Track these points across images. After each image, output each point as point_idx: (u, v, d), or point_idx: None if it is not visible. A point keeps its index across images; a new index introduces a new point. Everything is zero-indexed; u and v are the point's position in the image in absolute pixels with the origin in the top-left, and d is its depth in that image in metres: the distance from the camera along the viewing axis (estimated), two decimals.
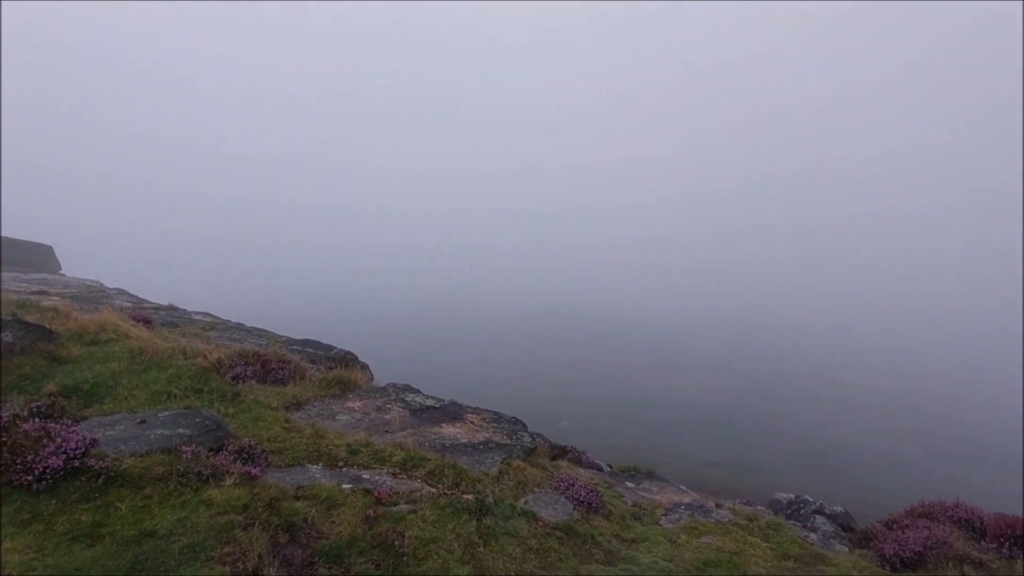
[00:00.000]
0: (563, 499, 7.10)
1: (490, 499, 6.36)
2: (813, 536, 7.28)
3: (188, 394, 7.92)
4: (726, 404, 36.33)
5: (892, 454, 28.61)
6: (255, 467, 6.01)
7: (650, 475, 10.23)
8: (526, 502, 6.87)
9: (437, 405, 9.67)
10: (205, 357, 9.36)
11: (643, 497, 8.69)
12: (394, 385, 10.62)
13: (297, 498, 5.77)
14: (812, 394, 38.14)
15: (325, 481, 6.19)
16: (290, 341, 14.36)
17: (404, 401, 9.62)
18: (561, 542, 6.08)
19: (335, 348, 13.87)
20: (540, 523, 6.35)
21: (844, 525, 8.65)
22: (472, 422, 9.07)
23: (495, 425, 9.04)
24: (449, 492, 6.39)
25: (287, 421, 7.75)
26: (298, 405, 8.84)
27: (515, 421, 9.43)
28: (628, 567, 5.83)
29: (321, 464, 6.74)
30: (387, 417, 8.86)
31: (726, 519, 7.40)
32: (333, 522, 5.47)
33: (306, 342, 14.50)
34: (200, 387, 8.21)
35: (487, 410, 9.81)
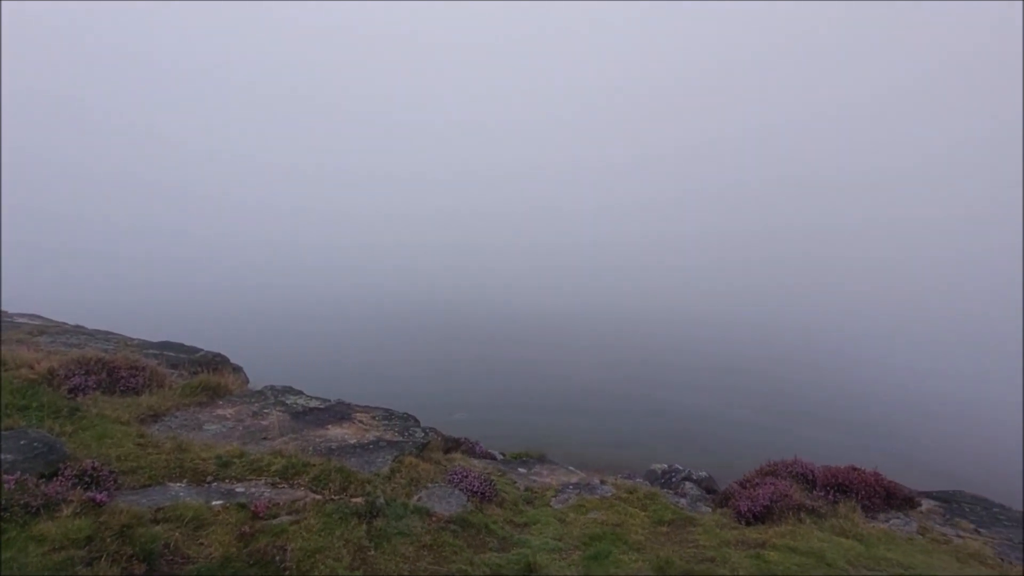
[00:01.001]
0: (457, 491, 7.09)
1: (381, 500, 6.16)
2: (683, 501, 8.07)
3: (10, 412, 6.63)
4: (612, 387, 38.90)
5: (749, 423, 32.70)
6: (101, 492, 5.21)
7: (541, 459, 10.60)
8: (419, 499, 6.75)
9: (322, 406, 9.12)
10: (32, 367, 7.92)
11: (535, 481, 8.98)
12: (272, 387, 9.83)
13: (156, 522, 5.10)
14: (699, 379, 42.12)
15: (190, 499, 5.54)
16: (145, 344, 12.65)
17: (284, 404, 8.94)
18: (455, 535, 6.06)
19: (201, 350, 12.49)
20: (434, 518, 6.28)
21: (708, 488, 9.68)
22: (361, 421, 8.70)
23: (386, 423, 8.76)
24: (336, 497, 6.06)
25: (141, 436, 6.81)
26: (156, 417, 7.82)
27: (407, 417, 9.22)
28: (521, 551, 5.99)
29: (185, 481, 6.03)
30: (264, 423, 8.17)
31: (610, 494, 7.92)
32: (202, 544, 4.93)
33: (165, 344, 12.88)
34: (26, 403, 6.92)
35: (377, 408, 9.47)
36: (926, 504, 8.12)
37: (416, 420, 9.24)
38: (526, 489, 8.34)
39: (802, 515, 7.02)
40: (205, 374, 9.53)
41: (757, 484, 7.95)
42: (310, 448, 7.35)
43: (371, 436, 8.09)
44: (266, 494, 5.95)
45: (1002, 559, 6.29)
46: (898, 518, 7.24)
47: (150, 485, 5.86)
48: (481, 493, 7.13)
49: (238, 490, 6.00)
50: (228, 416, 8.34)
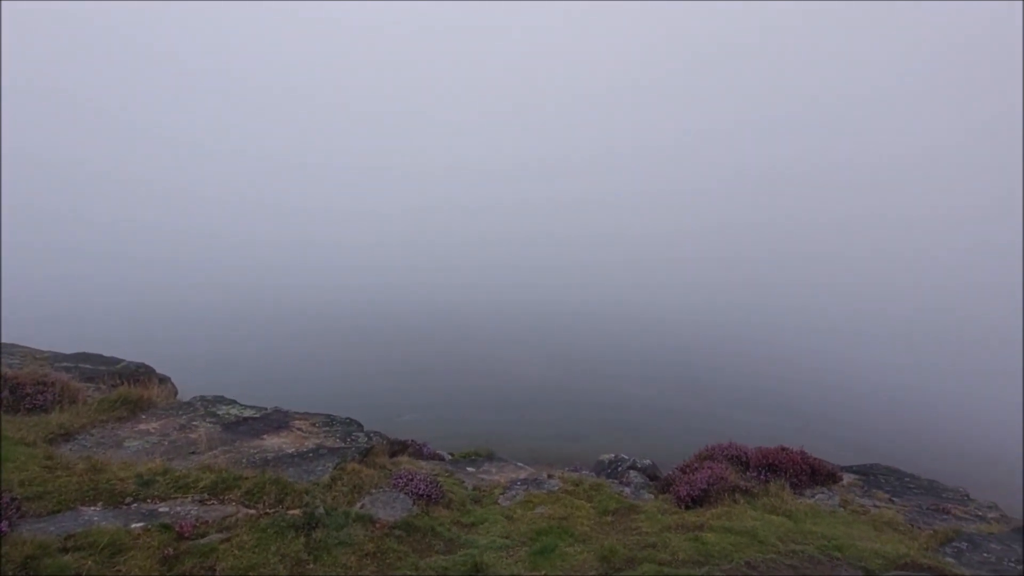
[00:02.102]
0: (402, 495, 6.95)
1: (321, 510, 5.93)
2: (627, 490, 8.27)
3: None
4: (563, 382, 39.44)
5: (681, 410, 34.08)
6: (1, 521, 4.72)
7: (490, 457, 10.57)
8: (363, 506, 6.56)
9: (258, 415, 8.69)
10: None
11: (483, 480, 8.94)
12: (203, 398, 9.26)
13: (66, 550, 4.68)
14: (650, 372, 43.27)
15: (106, 524, 5.12)
16: (57, 357, 11.60)
17: (215, 415, 8.45)
18: (400, 540, 5.93)
19: (122, 361, 11.61)
20: (378, 525, 6.12)
21: (651, 475, 9.98)
22: (300, 429, 8.35)
23: (327, 429, 8.45)
24: (271, 511, 5.78)
25: (50, 457, 6.24)
26: (67, 436, 7.18)
27: (349, 422, 8.93)
28: (467, 552, 5.93)
29: (101, 504, 5.57)
30: (193, 436, 7.68)
31: (556, 488, 8.00)
32: (119, 571, 4.57)
33: (81, 356, 11.86)
34: None
35: (318, 414, 9.12)
36: (847, 478, 8.73)
37: (359, 425, 8.97)
38: (474, 488, 8.29)
39: (737, 496, 7.36)
40: (126, 387, 8.86)
41: (696, 469, 8.27)
42: (244, 460, 6.98)
43: (311, 444, 7.78)
44: (193, 512, 5.59)
45: (912, 524, 6.86)
46: (823, 493, 7.75)
47: (60, 511, 5.37)
48: (427, 495, 7.01)
49: (161, 510, 5.60)
50: (152, 431, 7.79)
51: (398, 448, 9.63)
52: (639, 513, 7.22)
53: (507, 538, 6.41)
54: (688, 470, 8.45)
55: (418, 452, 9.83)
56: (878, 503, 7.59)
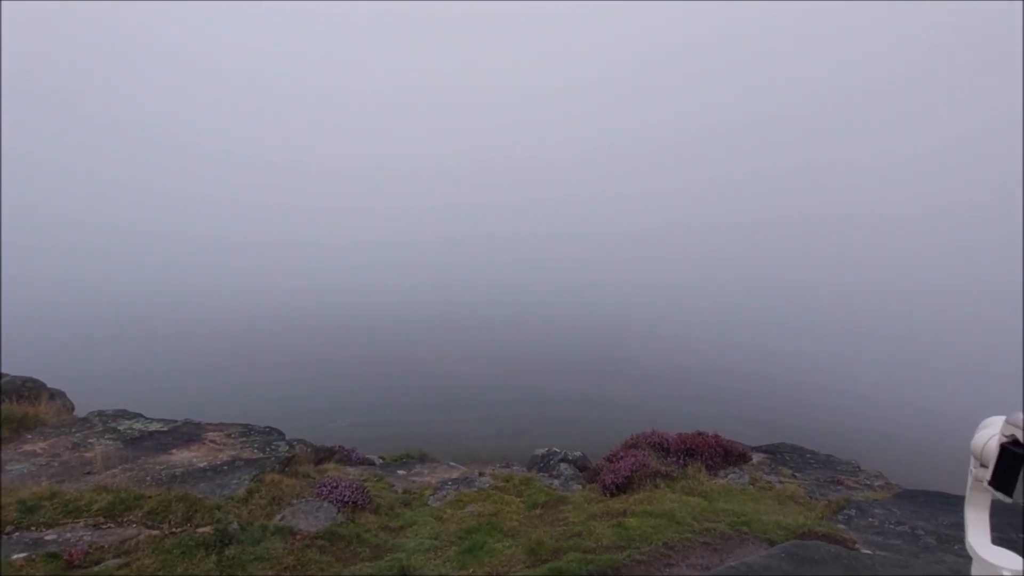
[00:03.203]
0: (326, 504, 6.71)
1: (234, 525, 5.60)
2: (556, 482, 8.45)
3: None
4: (502, 380, 39.58)
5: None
6: None
7: (422, 459, 10.45)
8: (282, 517, 6.27)
9: (165, 428, 8.07)
10: None
11: (414, 482, 8.82)
12: (101, 413, 8.48)
13: None
14: (592, 367, 44.13)
15: None
16: None
17: (116, 431, 7.76)
18: (323, 550, 5.73)
19: (5, 376, 10.39)
20: (299, 536, 5.87)
21: (581, 466, 10.25)
22: (214, 441, 7.85)
23: (244, 440, 8.00)
24: (178, 530, 5.39)
25: None
26: None
27: (269, 431, 8.50)
28: (394, 556, 5.83)
29: None
30: (89, 455, 7.01)
31: (487, 485, 8.03)
32: None
33: None
34: None
35: (234, 424, 8.61)
36: (757, 457, 9.40)
37: (280, 433, 8.56)
38: (404, 491, 8.15)
39: (658, 481, 7.71)
40: (8, 404, 7.94)
41: (621, 457, 8.58)
42: (148, 478, 6.46)
43: (225, 456, 7.33)
44: (86, 538, 5.10)
45: (811, 496, 7.49)
46: (735, 472, 8.29)
47: None
48: (353, 502, 6.82)
49: (48, 538, 5.08)
50: (39, 451, 7.03)
51: (324, 455, 9.30)
52: (567, 504, 7.40)
53: (436, 539, 6.36)
54: (614, 459, 8.75)
55: (346, 458, 9.54)
56: (782, 479, 8.23)
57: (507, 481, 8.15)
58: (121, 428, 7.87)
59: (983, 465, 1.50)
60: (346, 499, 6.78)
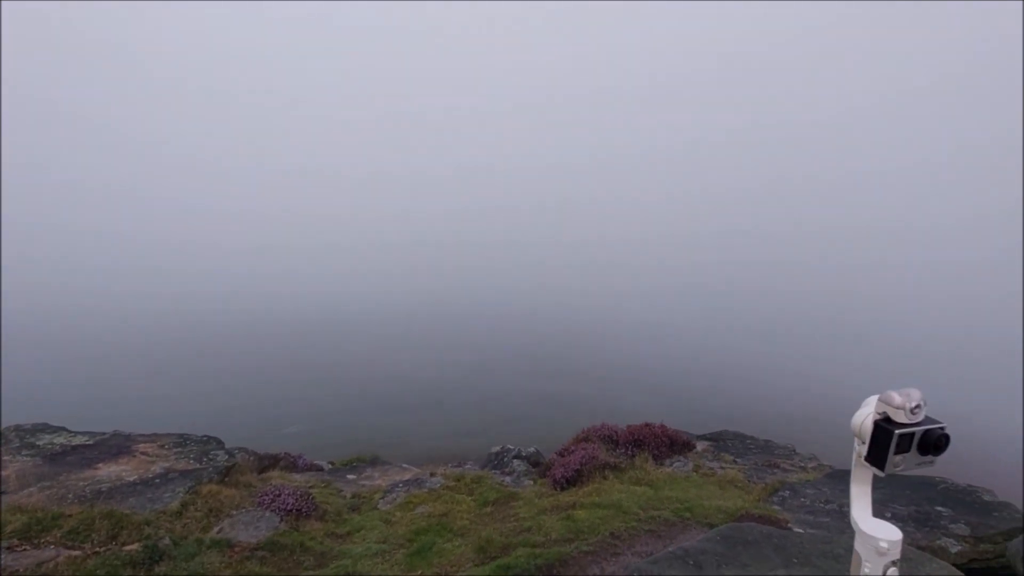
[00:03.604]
0: (268, 513, 6.48)
1: (166, 541, 5.32)
2: (508, 479, 8.49)
3: None
4: (461, 379, 39.33)
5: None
6: None
7: (373, 462, 10.26)
8: (220, 530, 6.01)
9: (92, 442, 7.57)
10: None
11: (364, 486, 8.65)
12: (19, 428, 7.86)
13: None
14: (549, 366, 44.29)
15: None
16: None
17: (35, 446, 7.21)
18: (263, 562, 5.53)
19: None
20: (238, 548, 5.64)
21: (535, 462, 10.33)
22: (145, 453, 7.42)
23: (179, 450, 7.60)
24: (102, 549, 5.07)
25: None
26: None
27: (207, 440, 8.12)
28: (340, 563, 5.70)
29: None
30: (5, 473, 6.49)
31: (439, 485, 7.97)
32: None
33: None
34: None
35: (168, 435, 8.17)
36: (701, 445, 9.77)
37: (219, 442, 8.19)
38: (353, 496, 7.98)
39: (607, 472, 7.87)
40: None
41: (572, 451, 8.70)
42: (70, 495, 6.04)
43: (158, 468, 6.95)
44: None
45: (749, 480, 7.85)
46: (680, 461, 8.58)
47: None
48: (297, 510, 6.61)
49: None
50: None
51: (268, 463, 8.98)
52: (518, 500, 7.44)
53: (384, 542, 6.26)
54: (565, 453, 8.87)
55: (292, 465, 9.24)
56: (724, 465, 8.59)
57: (458, 480, 8.12)
58: (41, 443, 7.32)
59: (863, 442, 1.60)
60: (289, 507, 6.57)
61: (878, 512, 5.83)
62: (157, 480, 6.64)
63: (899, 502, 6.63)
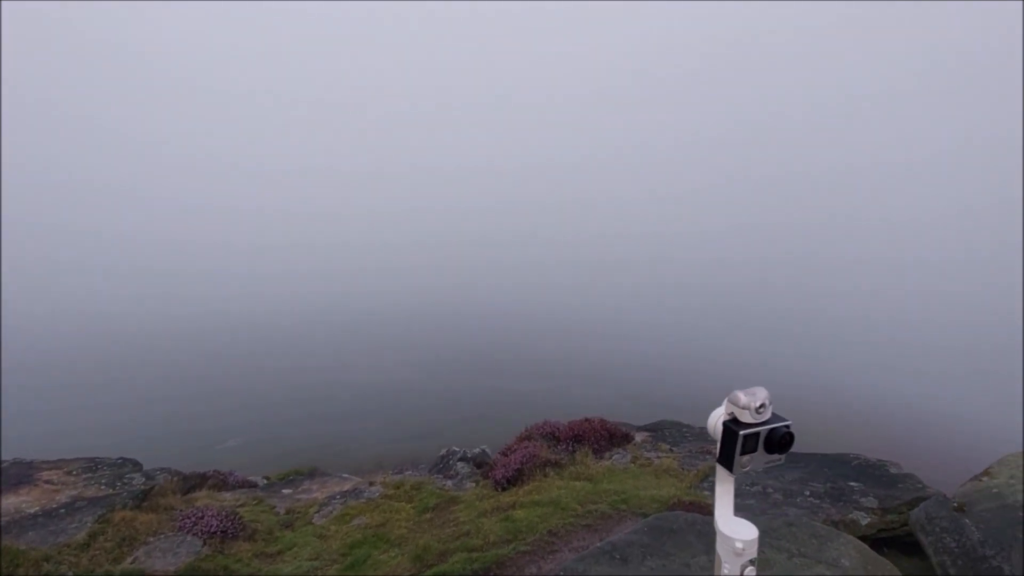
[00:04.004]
0: (190, 538, 6.10)
1: (69, 574, 4.91)
2: (450, 483, 8.40)
3: None
4: (411, 381, 38.68)
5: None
6: None
7: (312, 474, 9.90)
8: (134, 559, 5.60)
9: None
10: None
11: (300, 500, 8.32)
12: None
13: None
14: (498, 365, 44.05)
15: None
16: None
17: None
18: None
19: None
20: None
21: (480, 463, 10.28)
22: (50, 481, 6.82)
23: (88, 476, 7.04)
24: None
25: None
26: None
27: (122, 463, 7.57)
28: None
29: None
30: None
31: (377, 494, 7.78)
32: None
33: None
34: None
35: (77, 459, 7.55)
36: (640, 436, 10.02)
37: (136, 464, 7.66)
38: (287, 511, 7.66)
39: (547, 470, 7.94)
40: None
41: (514, 450, 8.72)
42: None
43: (63, 498, 6.40)
44: None
45: (683, 468, 8.12)
46: (619, 453, 8.77)
47: None
48: (222, 531, 6.26)
49: None
50: None
51: (195, 483, 8.48)
52: (459, 504, 7.36)
53: (317, 559, 6.04)
54: (508, 453, 8.87)
55: (222, 483, 8.77)
56: (660, 454, 8.85)
57: (398, 488, 7.95)
58: None
59: (716, 443, 1.63)
60: (213, 529, 6.21)
61: (798, 491, 6.11)
62: (62, 510, 6.11)
63: (817, 480, 7.04)
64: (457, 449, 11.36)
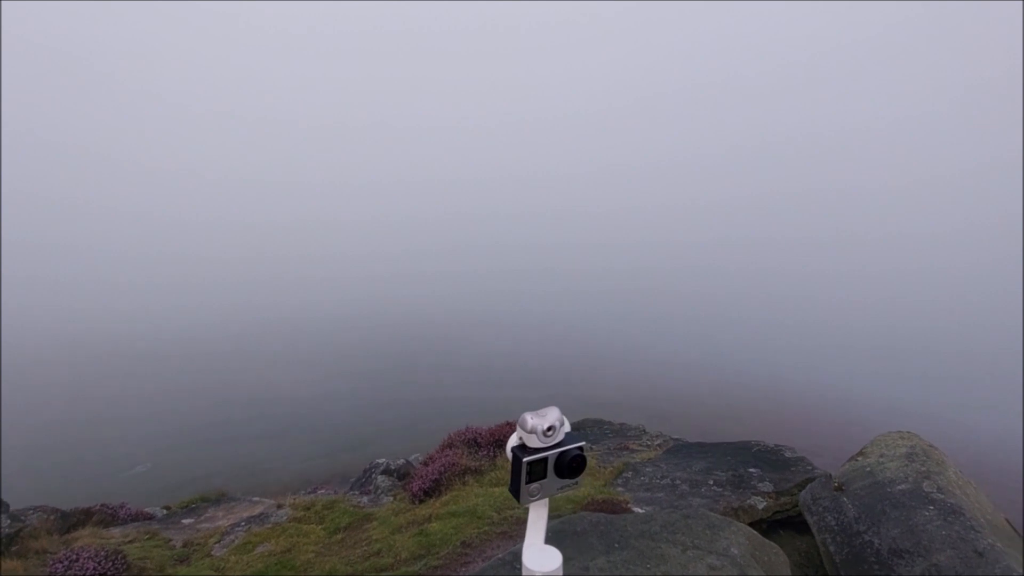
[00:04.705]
0: None
1: None
2: (366, 499, 8.09)
3: None
4: (339, 391, 37.22)
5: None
6: None
7: (219, 500, 9.24)
8: None
9: None
10: None
11: (201, 529, 7.72)
12: None
13: None
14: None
15: None
16: None
17: None
18: None
19: None
20: None
21: (403, 475, 10.01)
22: None
23: None
24: None
25: None
26: None
27: None
28: None
29: None
30: None
31: (285, 518, 7.35)
32: None
33: None
34: None
35: None
36: None
37: (3, 504, 6.79)
38: (184, 544, 7.06)
39: (467, 478, 7.83)
40: None
41: (435, 459, 8.54)
42: None
43: None
44: None
45: (601, 466, 8.29)
46: None
47: None
48: (101, 575, 5.66)
49: None
50: None
51: (77, 519, 7.66)
52: (373, 521, 7.10)
53: None
54: (429, 462, 8.68)
55: (110, 517, 7.97)
56: None
57: (308, 509, 7.56)
58: None
59: None
60: (90, 573, 5.60)
61: (703, 480, 6.31)
62: None
63: (721, 468, 7.40)
64: (380, 461, 11.03)
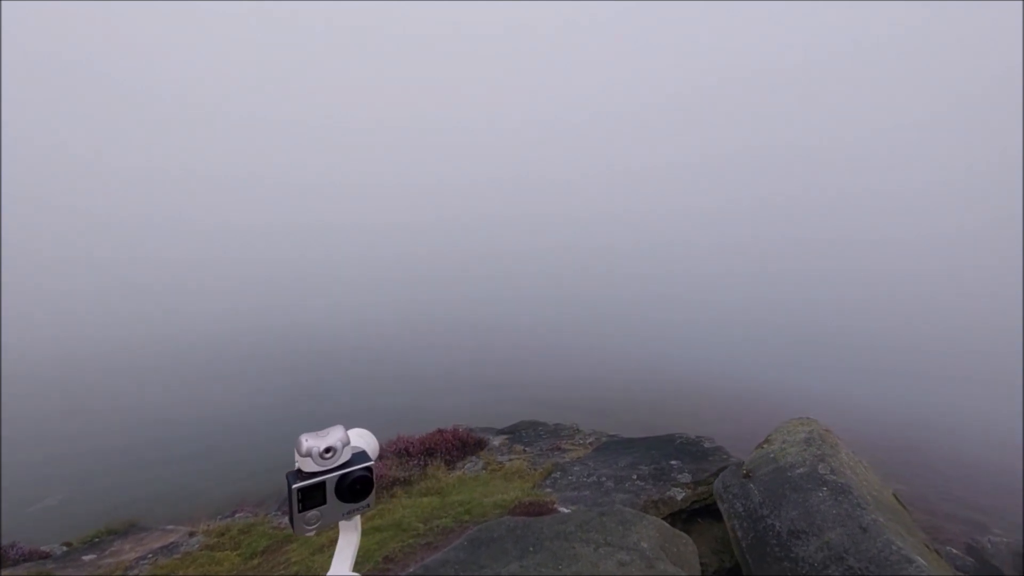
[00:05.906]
0: None
1: None
2: (287, 520, 7.75)
3: None
4: (272, 402, 35.55)
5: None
6: None
7: (127, 532, 8.58)
8: None
9: None
10: None
11: (103, 565, 7.12)
12: None
13: None
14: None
15: None
16: None
17: None
18: None
19: None
20: None
21: None
22: None
23: None
24: None
25: None
26: None
27: None
28: None
29: None
30: None
31: (197, 546, 6.91)
32: None
33: None
34: None
35: None
36: (498, 440, 10.14)
37: None
38: None
39: (395, 489, 7.65)
40: None
41: None
42: None
43: None
44: None
45: (532, 468, 8.34)
46: (472, 461, 8.77)
47: None
48: None
49: None
50: None
51: None
52: (294, 542, 6.80)
53: None
54: None
55: (1, 558, 7.22)
56: (514, 456, 9.02)
57: (223, 535, 7.15)
58: None
59: None
60: None
61: (627, 476, 6.44)
62: None
63: (645, 462, 7.61)
64: None
